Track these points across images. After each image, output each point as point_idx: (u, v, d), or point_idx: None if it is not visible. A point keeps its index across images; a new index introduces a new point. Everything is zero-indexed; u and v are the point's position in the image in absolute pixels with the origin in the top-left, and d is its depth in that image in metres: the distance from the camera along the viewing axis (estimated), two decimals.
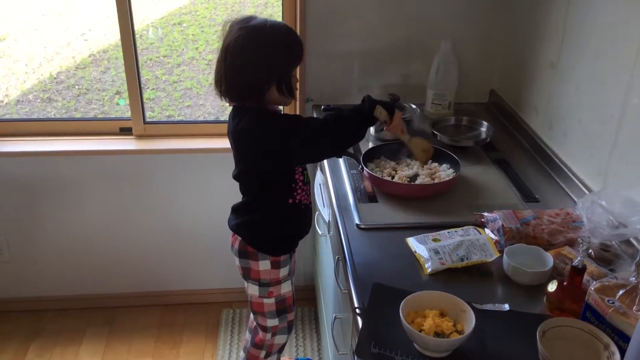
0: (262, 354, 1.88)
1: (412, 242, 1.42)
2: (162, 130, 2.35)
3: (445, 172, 1.71)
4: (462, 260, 1.33)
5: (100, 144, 2.29)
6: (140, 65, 2.30)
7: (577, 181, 1.64)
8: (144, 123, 2.32)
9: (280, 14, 2.19)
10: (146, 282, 2.57)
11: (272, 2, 5.03)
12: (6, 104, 4.14)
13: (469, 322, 1.12)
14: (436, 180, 1.67)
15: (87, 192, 2.36)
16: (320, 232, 1.96)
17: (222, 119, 3.54)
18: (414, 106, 2.07)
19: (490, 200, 1.63)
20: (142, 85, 2.29)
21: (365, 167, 1.70)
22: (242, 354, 1.99)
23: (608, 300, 1.07)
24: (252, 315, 1.87)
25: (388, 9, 2.12)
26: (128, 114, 2.32)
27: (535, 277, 1.28)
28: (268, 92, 1.48)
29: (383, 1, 2.11)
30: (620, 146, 1.47)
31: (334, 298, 1.80)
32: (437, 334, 1.12)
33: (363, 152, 1.78)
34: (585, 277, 1.19)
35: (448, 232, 1.43)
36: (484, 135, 1.99)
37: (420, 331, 1.11)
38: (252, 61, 1.45)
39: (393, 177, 1.69)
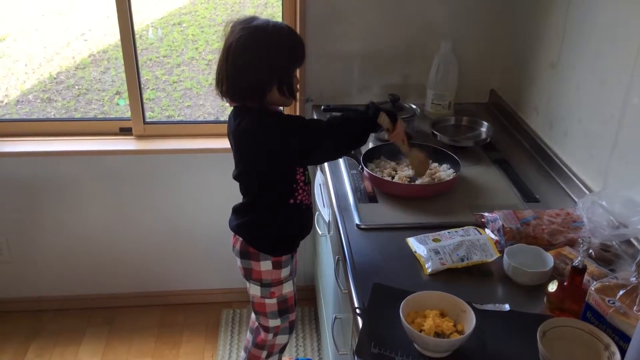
0: (264, 354, 1.88)
1: (412, 242, 1.42)
2: (162, 130, 2.36)
3: (445, 172, 1.71)
4: (462, 260, 1.33)
5: (100, 144, 2.29)
6: (140, 65, 2.30)
7: (577, 181, 1.64)
8: (144, 123, 2.32)
9: (280, 14, 2.19)
10: (146, 282, 2.57)
11: (272, 2, 5.03)
12: (6, 104, 4.14)
13: (470, 322, 1.12)
14: (436, 181, 1.67)
15: (87, 192, 2.36)
16: (320, 232, 1.96)
17: (222, 119, 3.55)
18: (414, 106, 2.07)
19: (491, 201, 1.63)
20: (142, 86, 2.29)
21: (365, 167, 1.70)
22: (242, 354, 1.99)
23: (608, 301, 1.07)
24: (253, 316, 1.87)
25: (388, 9, 2.12)
26: (128, 114, 2.32)
27: (536, 277, 1.28)
28: (269, 92, 1.48)
29: (383, 1, 2.11)
30: (620, 146, 1.47)
31: (334, 298, 1.80)
32: (438, 334, 1.12)
33: (363, 152, 1.78)
34: (586, 277, 1.19)
35: (448, 232, 1.43)
36: (484, 136, 1.99)
37: (421, 331, 1.11)
38: (254, 61, 1.45)
39: (393, 177, 1.69)
